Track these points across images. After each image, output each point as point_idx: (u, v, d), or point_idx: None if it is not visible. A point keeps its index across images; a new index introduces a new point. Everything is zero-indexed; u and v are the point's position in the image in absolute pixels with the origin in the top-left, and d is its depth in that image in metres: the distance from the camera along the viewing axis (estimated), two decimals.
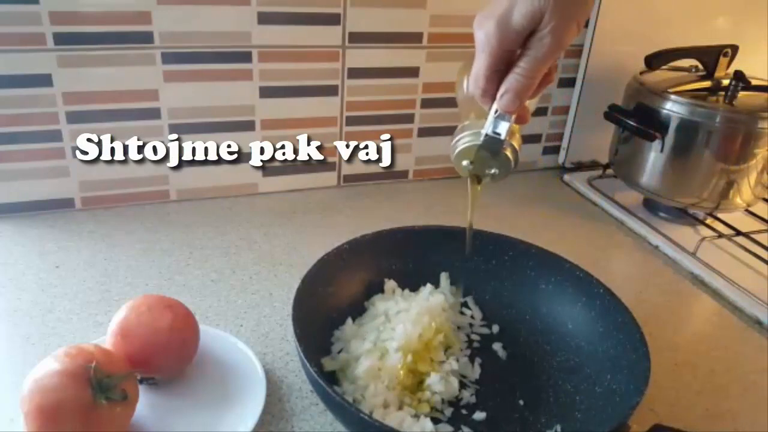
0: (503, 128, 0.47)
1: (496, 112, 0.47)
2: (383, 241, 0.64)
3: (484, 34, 0.44)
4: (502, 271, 0.64)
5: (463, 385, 0.55)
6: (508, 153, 0.49)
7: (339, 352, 0.56)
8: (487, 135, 0.48)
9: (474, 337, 0.62)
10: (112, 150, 0.78)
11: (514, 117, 0.47)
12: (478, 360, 0.58)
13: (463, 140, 0.49)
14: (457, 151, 0.50)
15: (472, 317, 0.63)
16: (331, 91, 0.86)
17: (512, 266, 0.64)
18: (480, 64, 0.46)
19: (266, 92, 0.82)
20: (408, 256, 0.65)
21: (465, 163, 0.50)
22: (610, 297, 0.57)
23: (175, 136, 0.80)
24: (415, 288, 0.63)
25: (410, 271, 0.65)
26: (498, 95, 0.46)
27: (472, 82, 0.47)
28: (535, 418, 0.53)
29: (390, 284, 0.63)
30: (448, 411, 0.53)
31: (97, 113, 0.76)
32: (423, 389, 0.53)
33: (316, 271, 0.57)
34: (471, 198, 0.55)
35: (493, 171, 0.51)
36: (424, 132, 0.94)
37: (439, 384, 0.53)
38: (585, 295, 0.59)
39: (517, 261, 0.64)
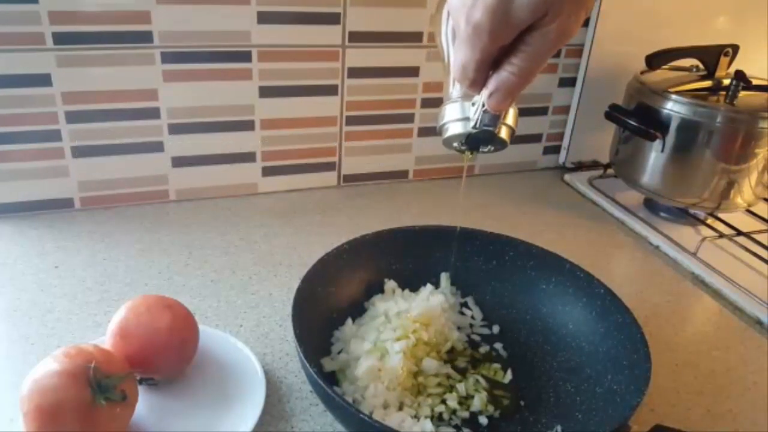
0: (495, 121, 0.43)
1: (484, 106, 0.42)
2: (383, 241, 0.63)
3: (472, 28, 0.37)
4: (503, 272, 0.64)
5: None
6: (503, 135, 0.44)
7: (339, 352, 0.56)
8: (475, 127, 0.43)
9: (474, 337, 0.61)
10: (112, 150, 0.78)
11: None
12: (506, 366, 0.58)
13: (451, 126, 0.45)
14: (445, 137, 0.45)
15: (472, 317, 0.63)
16: (330, 90, 0.85)
17: (513, 266, 0.64)
18: (467, 57, 0.39)
19: (266, 92, 0.82)
20: (408, 256, 0.65)
21: (456, 144, 0.46)
22: (610, 297, 0.57)
23: (174, 135, 0.80)
24: (415, 288, 0.63)
25: (410, 271, 0.64)
26: (486, 92, 0.41)
27: (459, 73, 0.41)
28: (536, 418, 0.53)
29: (390, 284, 0.63)
30: (449, 412, 0.53)
31: (96, 113, 0.76)
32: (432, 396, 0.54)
33: (316, 271, 0.57)
34: (464, 162, 0.51)
35: (488, 148, 0.46)
36: (424, 132, 0.94)
37: (453, 402, 0.53)
38: (586, 295, 0.59)
39: (518, 261, 0.64)
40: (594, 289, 0.58)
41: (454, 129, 0.45)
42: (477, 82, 0.41)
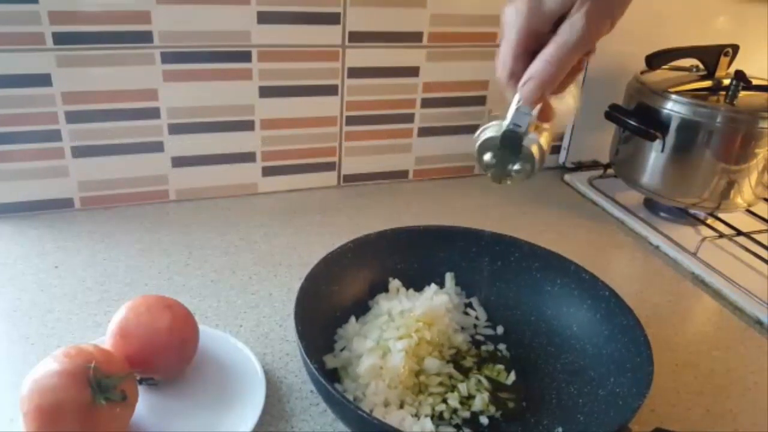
0: (524, 120, 0.45)
1: (518, 102, 0.44)
2: (388, 240, 0.63)
3: (514, 11, 0.43)
4: (508, 273, 0.64)
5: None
6: (532, 149, 0.46)
7: (341, 350, 0.56)
8: (507, 128, 0.45)
9: (478, 338, 0.61)
10: (112, 150, 0.78)
11: (537, 109, 0.45)
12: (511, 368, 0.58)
13: (484, 132, 0.47)
14: (477, 143, 0.48)
15: (476, 318, 0.63)
16: (330, 90, 0.85)
17: (518, 267, 0.64)
18: (508, 42, 0.43)
19: (266, 92, 0.82)
20: (413, 256, 0.65)
21: (487, 157, 0.48)
22: (615, 299, 0.57)
23: (174, 135, 0.80)
24: (419, 288, 0.63)
25: (415, 270, 0.64)
26: (521, 82, 0.43)
27: (500, 64, 0.44)
28: (537, 419, 0.53)
29: (394, 283, 0.63)
30: (450, 411, 0.53)
31: (96, 113, 0.76)
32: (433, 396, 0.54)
33: (320, 269, 0.57)
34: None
35: (515, 167, 0.48)
36: (424, 132, 0.93)
37: (455, 401, 0.53)
38: (590, 297, 0.59)
39: (523, 262, 0.63)
40: (599, 291, 0.58)
41: (486, 133, 0.47)
42: (514, 74, 0.44)
